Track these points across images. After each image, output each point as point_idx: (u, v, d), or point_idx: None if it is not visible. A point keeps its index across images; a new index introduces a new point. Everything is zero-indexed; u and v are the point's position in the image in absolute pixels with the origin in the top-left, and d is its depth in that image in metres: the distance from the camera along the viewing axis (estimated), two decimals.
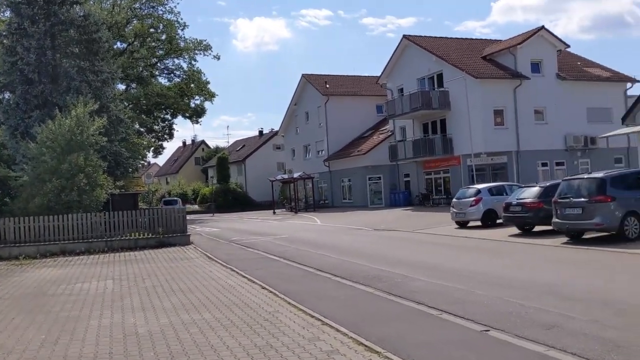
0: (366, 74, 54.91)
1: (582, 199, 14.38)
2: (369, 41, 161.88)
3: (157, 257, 17.46)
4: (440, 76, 37.94)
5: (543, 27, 36.35)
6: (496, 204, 21.29)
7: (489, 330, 6.94)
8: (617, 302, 7.93)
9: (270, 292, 10.31)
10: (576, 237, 15.40)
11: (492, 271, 11.33)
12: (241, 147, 76.60)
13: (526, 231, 18.28)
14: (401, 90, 41.40)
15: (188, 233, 22.50)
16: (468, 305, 8.32)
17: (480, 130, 33.86)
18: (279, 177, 52.47)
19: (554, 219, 15.21)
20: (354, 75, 53.88)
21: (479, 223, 21.63)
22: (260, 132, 76.56)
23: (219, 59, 53.94)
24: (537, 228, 18.31)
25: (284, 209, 52.46)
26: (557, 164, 36.61)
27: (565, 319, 7.21)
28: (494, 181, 35.25)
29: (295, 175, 47.13)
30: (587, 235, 15.54)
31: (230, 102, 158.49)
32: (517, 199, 17.80)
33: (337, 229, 25.77)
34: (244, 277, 12.45)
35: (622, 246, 13.29)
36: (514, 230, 18.77)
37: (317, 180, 50.26)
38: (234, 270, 13.56)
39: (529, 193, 17.77)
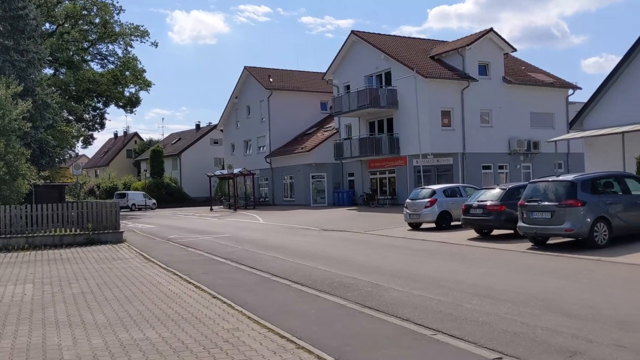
0: (310, 70, 53.64)
1: (551, 203, 13.66)
2: (308, 40, 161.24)
3: (86, 257, 15.53)
4: (388, 74, 37.21)
5: (492, 29, 36.28)
6: (451, 206, 20.56)
7: (501, 358, 5.80)
8: (631, 322, 6.98)
9: (224, 302, 8.84)
10: (541, 243, 14.70)
11: (467, 280, 10.29)
12: (177, 141, 73.76)
13: (485, 235, 17.54)
14: (348, 87, 40.42)
15: (121, 230, 20.53)
16: (463, 324, 7.17)
17: (428, 130, 33.33)
18: (217, 172, 50.50)
19: (520, 223, 14.44)
20: (299, 71, 52.59)
21: (432, 225, 20.82)
22: (197, 126, 73.99)
23: (156, 46, 51.54)
24: (495, 232, 17.63)
25: (222, 206, 50.51)
26: (500, 167, 36.65)
27: (583, 343, 6.17)
28: (439, 183, 34.95)
29: (235, 170, 45.31)
30: (551, 241, 14.87)
31: (164, 95, 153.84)
32: (477, 201, 17.01)
33: (283, 229, 24.38)
34: (189, 282, 10.89)
35: (593, 253, 12.63)
36: (472, 233, 17.99)
37: (258, 177, 48.63)
38: (176, 275, 11.95)
39: (490, 195, 17.02)
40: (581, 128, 26.52)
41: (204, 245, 18.30)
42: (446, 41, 41.23)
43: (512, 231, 16.48)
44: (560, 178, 14.23)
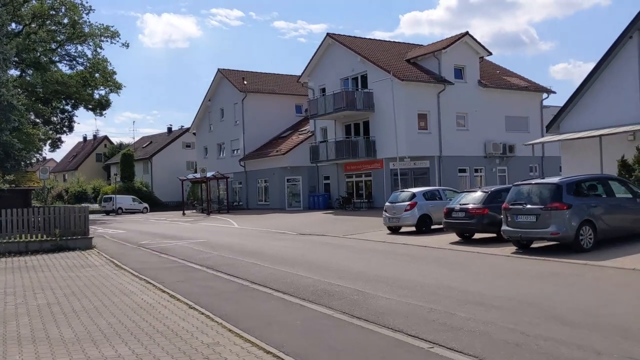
0: (285, 73, 53.12)
1: (537, 206, 13.39)
2: (281, 44, 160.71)
3: (54, 264, 14.74)
4: (364, 77, 36.93)
5: (467, 33, 36.27)
6: (431, 209, 20.25)
7: None
8: (634, 330, 6.64)
9: (202, 314, 8.28)
10: (525, 246, 14.44)
11: (456, 286, 9.90)
12: (148, 144, 72.42)
13: (466, 238, 17.24)
14: (323, 90, 40.05)
15: (90, 235, 19.72)
16: (460, 334, 6.74)
17: (404, 133, 33.09)
18: (190, 176, 49.60)
19: (504, 227, 14.15)
20: (274, 73, 51.98)
21: (412, 229, 20.48)
22: (169, 129, 72.80)
23: (127, 46, 50.19)
24: (477, 235, 17.35)
25: (195, 210, 49.62)
26: (476, 170, 36.64)
27: (591, 355, 5.79)
28: (415, 186, 34.74)
29: (209, 174, 44.50)
30: (535, 244, 14.62)
31: (135, 98, 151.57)
32: (459, 204, 16.69)
33: (259, 233, 23.79)
34: (164, 291, 10.28)
35: (579, 257, 12.38)
36: (453, 237, 17.69)
37: (232, 181, 47.86)
38: (150, 283, 11.32)
39: (472, 198, 16.71)
40: (558, 131, 26.56)
41: (178, 251, 17.62)
42: (421, 45, 41.19)
43: (494, 235, 16.24)
44: (545, 181, 14.00)
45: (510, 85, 38.33)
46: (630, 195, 14.38)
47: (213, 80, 51.12)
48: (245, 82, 47.91)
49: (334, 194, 39.96)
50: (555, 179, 13.87)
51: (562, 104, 37.09)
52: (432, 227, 20.24)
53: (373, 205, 35.89)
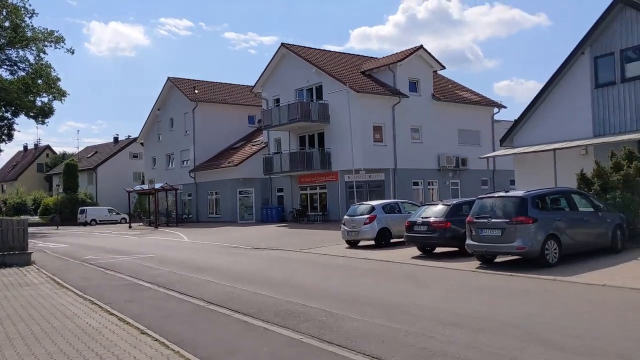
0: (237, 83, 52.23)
1: (502, 220, 13.09)
2: (231, 56, 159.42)
3: None
4: (319, 88, 36.52)
5: (422, 46, 36.42)
6: (390, 222, 19.83)
7: None
8: (631, 356, 6.24)
9: (156, 340, 7.43)
10: (489, 261, 14.13)
11: (428, 304, 9.38)
12: (93, 154, 69.89)
13: (427, 252, 16.87)
14: (277, 100, 39.42)
15: (29, 250, 18.33)
16: None
17: (360, 146, 32.78)
18: (137, 187, 47.85)
19: (469, 241, 13.80)
20: (226, 83, 51.03)
21: (371, 242, 19.99)
22: (116, 139, 70.50)
23: (73, 52, 47.92)
24: (438, 249, 17.01)
25: (142, 223, 47.89)
26: (430, 183, 36.68)
27: None
28: (371, 199, 34.44)
29: (157, 185, 43.00)
30: (499, 259, 14.33)
31: (79, 107, 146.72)
32: (422, 218, 16.29)
33: (212, 248, 22.81)
34: (111, 314, 9.33)
35: (546, 272, 12.11)
36: (413, 251, 17.29)
37: (181, 193, 46.43)
38: (95, 304, 10.32)
39: (434, 211, 16.36)
40: (511, 145, 26.78)
41: (125, 267, 16.52)
42: (376, 58, 41.19)
43: (456, 248, 15.93)
44: (510, 194, 13.73)
45: (462, 99, 38.71)
46: (592, 209, 14.32)
47: (163, 89, 49.72)
48: (196, 91, 46.77)
49: (287, 206, 39.24)
50: (520, 192, 13.64)
51: (511, 119, 37.91)
52: (392, 240, 19.84)
53: (328, 218, 35.37)
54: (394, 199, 31.26)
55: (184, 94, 46.22)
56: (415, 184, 35.95)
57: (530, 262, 13.20)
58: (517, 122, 26.50)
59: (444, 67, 37.46)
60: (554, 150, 23.05)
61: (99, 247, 24.83)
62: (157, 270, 15.71)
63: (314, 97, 36.72)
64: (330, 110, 35.29)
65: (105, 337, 7.64)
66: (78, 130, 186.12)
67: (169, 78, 48.59)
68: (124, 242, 28.41)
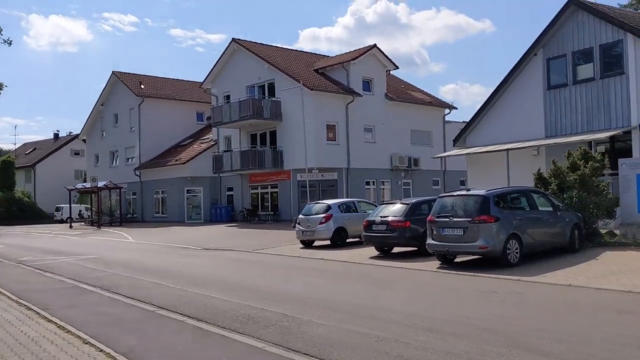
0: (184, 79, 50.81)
1: (463, 219, 12.78)
2: (178, 53, 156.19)
3: None
4: (271, 85, 35.80)
5: (375, 45, 36.23)
6: (347, 222, 19.37)
7: None
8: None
9: (101, 351, 6.62)
10: (449, 261, 13.83)
11: (396, 307, 8.89)
12: (31, 151, 66.72)
13: (385, 252, 16.47)
14: (227, 97, 38.44)
15: None
16: None
17: (313, 144, 32.20)
18: (79, 185, 45.83)
19: (430, 241, 13.44)
20: (173, 79, 49.51)
21: (327, 242, 19.47)
22: (56, 135, 67.55)
23: (10, 44, 45.06)
24: (395, 249, 16.64)
25: (83, 223, 45.92)
26: (382, 183, 36.52)
27: None
28: (323, 198, 33.96)
29: (100, 184, 41.22)
30: (459, 259, 14.05)
31: (17, 102, 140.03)
32: (380, 217, 15.86)
33: (159, 248, 21.78)
34: (49, 321, 8.41)
35: (508, 272, 11.87)
36: (371, 251, 16.86)
37: (125, 191, 44.69)
38: (31, 309, 9.35)
39: (393, 211, 15.95)
40: (464, 145, 26.86)
41: (66, 269, 15.40)
42: (329, 56, 40.78)
43: (414, 248, 15.60)
44: (472, 192, 13.45)
45: (415, 100, 38.75)
46: (551, 208, 14.23)
47: (107, 84, 47.79)
48: (142, 87, 45.16)
49: (237, 206, 38.31)
50: (481, 191, 13.37)
51: (461, 120, 38.29)
52: (348, 240, 19.38)
53: (279, 218, 34.69)
54: (347, 198, 30.89)
55: (129, 89, 44.53)
56: (368, 183, 35.71)
57: (490, 262, 12.96)
58: (470, 123, 26.59)
59: (397, 67, 37.42)
60: (507, 150, 23.14)
61: (38, 248, 23.36)
62: (100, 272, 14.68)
63: (266, 94, 35.95)
64: (282, 108, 34.62)
65: (42, 348, 6.77)
66: (15, 126, 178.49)
67: (113, 72, 46.76)
68: (65, 242, 26.91)
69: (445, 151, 39.33)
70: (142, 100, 43.75)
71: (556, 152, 23.02)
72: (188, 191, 40.16)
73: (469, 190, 14.04)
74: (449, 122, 40.57)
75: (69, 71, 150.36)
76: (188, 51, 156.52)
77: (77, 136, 59.99)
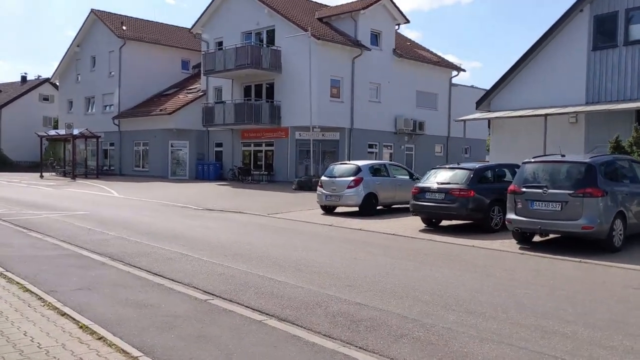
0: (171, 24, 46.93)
1: (563, 191, 10.38)
2: None
3: None
4: (271, 32, 32.58)
5: None
6: (378, 187, 16.88)
7: None
8: None
9: None
10: (526, 240, 11.51)
11: (553, 311, 6.47)
12: None
13: (434, 225, 14.09)
14: (220, 43, 35.07)
15: None
16: None
17: (317, 100, 29.36)
18: (52, 132, 42.15)
19: (512, 216, 11.02)
20: (158, 22, 45.55)
21: (352, 209, 16.98)
22: (24, 78, 62.65)
23: None
24: (444, 222, 14.30)
25: (54, 173, 42.36)
26: (385, 146, 34.03)
27: None
28: (323, 159, 31.42)
29: (76, 131, 37.63)
30: (536, 239, 11.75)
31: None
32: (437, 184, 13.34)
33: (156, 207, 18.94)
34: (63, 314, 5.73)
35: (614, 258, 9.68)
36: (411, 221, 14.48)
37: (102, 141, 41.14)
38: (29, 291, 6.64)
39: (452, 177, 13.45)
40: (488, 109, 24.54)
41: (55, 229, 12.56)
42: (329, 6, 37.57)
43: (469, 222, 13.30)
44: (572, 159, 11.01)
45: (423, 58, 36.06)
46: None
47: (84, 23, 43.54)
48: (124, 28, 41.21)
49: (227, 163, 35.37)
50: (582, 157, 10.97)
51: (470, 85, 35.84)
52: (378, 208, 16.96)
53: (274, 179, 32.02)
54: (349, 160, 28.37)
55: (110, 29, 40.54)
56: (370, 146, 33.17)
57: (581, 243, 10.73)
58: (496, 85, 24.17)
59: (408, 21, 34.46)
60: (545, 115, 20.90)
61: (10, 199, 20.26)
62: (100, 234, 11.90)
63: (264, 43, 32.75)
64: (283, 59, 31.55)
65: (58, 353, 4.13)
66: None
67: (92, 10, 42.56)
68: (40, 193, 23.76)
69: (450, 116, 37.04)
70: (123, 42, 39.89)
71: (598, 121, 20.91)
72: (172, 145, 36.97)
73: (564, 155, 11.42)
74: (455, 85, 38.10)
75: (38, 10, 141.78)
76: None
77: (47, 80, 55.61)
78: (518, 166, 14.82)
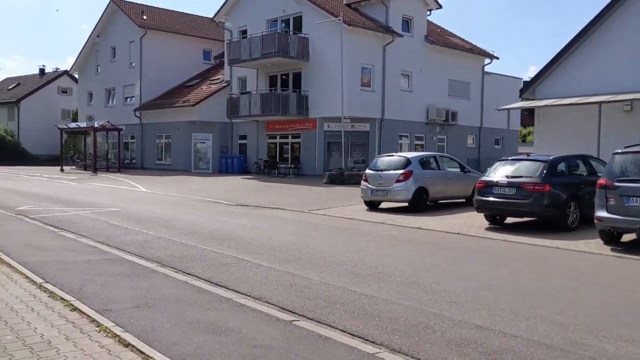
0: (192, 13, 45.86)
1: None
2: None
3: None
4: (298, 20, 31.33)
5: None
6: (429, 181, 15.64)
7: None
8: None
9: None
10: (614, 240, 10.25)
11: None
12: (15, 86, 61.19)
13: (499, 223, 12.85)
14: (244, 32, 33.87)
15: None
16: None
17: (347, 90, 28.01)
18: (72, 124, 41.36)
19: (603, 213, 9.77)
20: (179, 12, 44.49)
21: (401, 205, 15.78)
22: (42, 71, 61.98)
23: None
24: (509, 219, 13.06)
25: (75, 167, 41.58)
26: (417, 138, 32.69)
27: None
28: (352, 152, 30.20)
29: (97, 124, 36.75)
30: (625, 238, 10.48)
31: None
32: (507, 178, 12.08)
33: (189, 202, 17.85)
34: (127, 344, 4.61)
35: None
36: (476, 219, 13.25)
37: (124, 134, 40.22)
38: (77, 310, 5.53)
39: (522, 169, 12.18)
40: (533, 97, 23.15)
41: (89, 227, 11.50)
42: None
43: (533, 219, 12.06)
44: None
45: (455, 45, 34.62)
46: None
47: (104, 13, 42.59)
48: (145, 17, 40.18)
49: (251, 156, 34.28)
50: None
51: (504, 73, 34.38)
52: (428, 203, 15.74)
53: (301, 172, 30.89)
54: (379, 152, 27.10)
55: (130, 19, 39.53)
56: (401, 137, 31.85)
57: None
58: (542, 72, 22.73)
59: (440, 6, 33.01)
60: (600, 103, 19.51)
61: (36, 194, 19.31)
62: (139, 234, 10.82)
63: (291, 30, 31.50)
64: (310, 47, 30.31)
65: None
66: None
67: (112, 0, 41.56)
68: (64, 188, 22.80)
69: (483, 105, 35.64)
70: (144, 32, 38.87)
71: None
72: (195, 137, 35.91)
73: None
74: (488, 73, 36.62)
75: (52, 3, 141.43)
76: None
77: (65, 72, 54.92)
78: (591, 157, 13.64)
